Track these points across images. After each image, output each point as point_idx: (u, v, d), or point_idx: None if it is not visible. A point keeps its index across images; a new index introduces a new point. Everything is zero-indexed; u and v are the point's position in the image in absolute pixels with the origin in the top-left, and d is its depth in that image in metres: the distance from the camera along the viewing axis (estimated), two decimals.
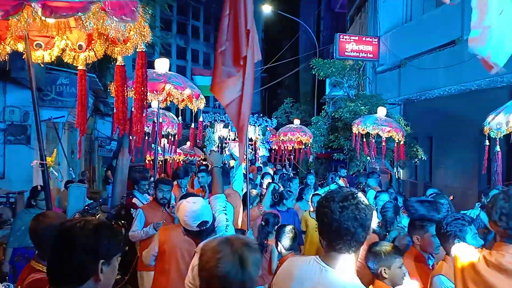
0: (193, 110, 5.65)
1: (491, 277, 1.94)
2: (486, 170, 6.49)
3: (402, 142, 8.74)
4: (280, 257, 3.85)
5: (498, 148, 6.02)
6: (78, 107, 3.51)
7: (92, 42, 3.26)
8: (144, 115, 3.52)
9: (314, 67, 13.87)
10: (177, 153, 12.07)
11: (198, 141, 7.65)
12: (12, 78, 7.37)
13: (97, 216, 5.83)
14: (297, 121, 12.69)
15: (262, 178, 8.30)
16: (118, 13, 2.75)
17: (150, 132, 7.98)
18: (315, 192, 6.24)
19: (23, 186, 6.75)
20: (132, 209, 5.11)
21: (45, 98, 8.12)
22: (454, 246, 2.29)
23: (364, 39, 14.05)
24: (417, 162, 11.84)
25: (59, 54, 3.37)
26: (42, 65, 3.73)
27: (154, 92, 5.13)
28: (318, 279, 1.60)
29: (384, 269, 2.60)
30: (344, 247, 1.58)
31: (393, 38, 13.32)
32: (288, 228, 3.85)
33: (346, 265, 1.60)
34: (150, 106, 7.49)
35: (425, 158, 11.67)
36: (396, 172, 12.42)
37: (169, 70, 5.63)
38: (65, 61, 3.42)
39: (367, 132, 8.63)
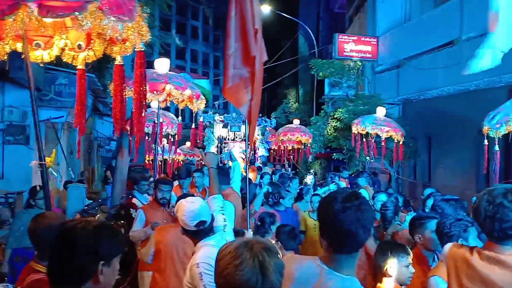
0: (193, 111, 5.64)
1: (484, 269, 1.93)
2: (486, 170, 6.51)
3: (401, 142, 8.75)
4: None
5: (497, 147, 6.03)
6: (77, 106, 3.48)
7: (91, 41, 3.25)
8: (143, 115, 3.51)
9: (313, 67, 13.87)
10: (176, 153, 12.05)
11: (198, 141, 7.65)
12: (10, 78, 7.33)
13: (96, 217, 5.81)
14: (296, 121, 12.69)
15: (262, 178, 8.29)
16: (116, 13, 2.74)
17: (150, 132, 7.97)
18: (315, 192, 6.23)
19: (22, 187, 6.72)
20: (131, 209, 5.10)
21: (44, 98, 8.07)
22: (446, 245, 2.27)
23: (363, 39, 14.02)
24: (413, 161, 11.82)
25: (58, 54, 3.35)
26: (41, 65, 3.71)
27: (155, 92, 5.11)
28: (318, 280, 1.59)
29: (391, 267, 2.58)
30: (345, 248, 1.58)
31: (392, 38, 13.31)
32: (288, 227, 3.84)
33: (346, 266, 1.59)
34: (149, 107, 7.47)
35: (421, 157, 11.65)
36: (395, 172, 12.42)
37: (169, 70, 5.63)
38: (64, 60, 3.40)
39: (367, 132, 8.64)
